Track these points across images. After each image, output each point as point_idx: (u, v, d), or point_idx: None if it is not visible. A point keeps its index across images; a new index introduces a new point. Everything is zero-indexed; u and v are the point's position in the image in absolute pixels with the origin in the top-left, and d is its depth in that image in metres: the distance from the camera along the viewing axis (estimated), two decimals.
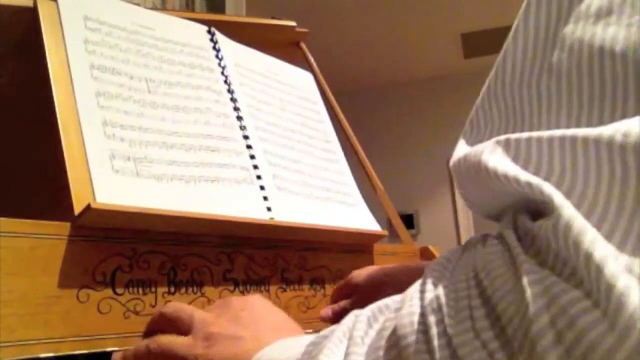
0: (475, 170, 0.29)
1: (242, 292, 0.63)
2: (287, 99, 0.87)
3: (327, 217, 0.77)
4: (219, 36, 0.81)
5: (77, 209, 0.51)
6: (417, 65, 4.14)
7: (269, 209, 0.69)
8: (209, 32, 0.80)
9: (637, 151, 0.23)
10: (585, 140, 0.24)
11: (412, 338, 0.28)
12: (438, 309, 0.27)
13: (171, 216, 0.56)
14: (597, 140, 0.24)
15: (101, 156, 0.57)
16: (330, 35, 3.55)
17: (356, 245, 0.80)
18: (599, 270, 0.22)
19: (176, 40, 0.74)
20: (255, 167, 0.71)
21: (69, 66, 0.60)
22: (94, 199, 0.53)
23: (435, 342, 0.26)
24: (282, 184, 0.74)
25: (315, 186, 0.80)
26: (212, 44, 0.79)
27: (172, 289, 0.57)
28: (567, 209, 0.24)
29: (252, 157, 0.72)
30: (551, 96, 0.27)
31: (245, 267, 0.64)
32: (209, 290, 0.60)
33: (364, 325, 0.33)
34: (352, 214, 0.83)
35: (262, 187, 0.70)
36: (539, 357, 0.22)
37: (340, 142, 0.92)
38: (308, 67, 0.99)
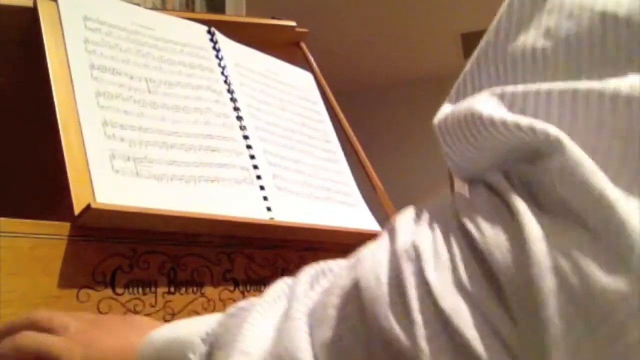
0: (466, 121, 0.27)
1: (242, 292, 0.63)
2: (287, 99, 0.87)
3: (327, 217, 0.77)
4: (219, 36, 0.81)
5: (77, 209, 0.51)
6: (417, 65, 4.14)
7: (269, 209, 0.69)
8: (209, 32, 0.80)
9: None
10: (588, 93, 0.23)
11: (377, 290, 0.25)
12: (415, 257, 0.25)
13: (171, 216, 0.56)
14: (601, 93, 0.22)
15: (101, 156, 0.57)
16: (330, 35, 3.55)
17: (356, 245, 0.80)
18: (610, 209, 0.20)
19: (176, 40, 0.74)
20: (255, 167, 0.71)
21: (69, 66, 0.60)
22: (94, 199, 0.53)
23: (413, 292, 0.24)
24: (282, 184, 0.74)
25: (315, 186, 0.80)
26: (212, 44, 0.79)
27: (172, 289, 0.57)
28: (576, 149, 0.22)
29: (252, 157, 0.72)
30: (547, 60, 0.25)
31: (245, 267, 0.64)
32: (209, 290, 0.60)
33: (306, 284, 0.31)
34: (352, 214, 0.83)
35: (262, 187, 0.70)
36: (537, 303, 0.20)
37: (340, 142, 0.92)
38: (308, 67, 0.99)
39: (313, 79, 0.97)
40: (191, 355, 0.33)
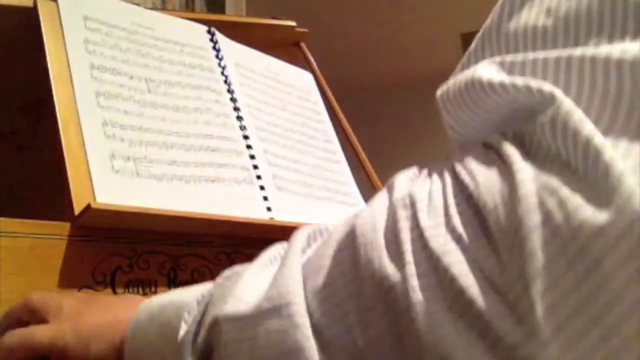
0: (467, 87, 0.28)
1: None
2: (287, 99, 0.87)
3: (327, 217, 0.77)
4: (219, 36, 0.81)
5: (77, 209, 0.51)
6: (416, 65, 4.14)
7: (269, 209, 0.69)
8: (209, 32, 0.80)
9: (633, 66, 0.22)
10: (582, 58, 0.24)
11: (372, 235, 0.26)
12: (410, 205, 0.26)
13: (171, 216, 0.56)
14: (594, 58, 0.23)
15: (101, 156, 0.57)
16: (330, 35, 3.55)
17: None
18: (597, 153, 0.21)
19: (176, 40, 0.74)
20: (255, 167, 0.71)
21: (69, 66, 0.60)
22: (94, 199, 0.53)
23: (406, 235, 0.24)
24: (282, 184, 0.74)
25: (315, 186, 0.80)
26: (212, 44, 0.79)
27: (172, 289, 0.57)
28: (568, 101, 0.23)
29: (252, 157, 0.72)
30: (546, 35, 0.26)
31: None
32: None
33: (304, 241, 0.32)
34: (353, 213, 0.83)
35: (262, 187, 0.70)
36: (522, 239, 0.21)
37: (340, 142, 0.92)
38: (308, 67, 0.99)
39: (313, 79, 0.97)
40: (186, 315, 0.33)
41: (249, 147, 0.73)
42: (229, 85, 0.77)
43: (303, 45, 1.03)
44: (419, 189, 0.27)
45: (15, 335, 0.41)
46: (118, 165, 0.57)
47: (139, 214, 0.53)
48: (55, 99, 0.57)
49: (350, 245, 0.27)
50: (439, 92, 0.31)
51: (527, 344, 0.20)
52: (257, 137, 0.75)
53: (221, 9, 2.10)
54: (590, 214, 0.20)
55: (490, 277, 0.22)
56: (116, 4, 0.70)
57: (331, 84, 0.99)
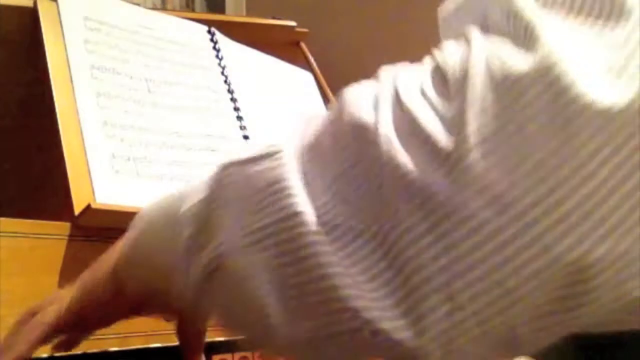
0: None
1: None
2: (287, 99, 0.87)
3: None
4: (219, 36, 0.81)
5: (77, 209, 0.51)
6: None
7: None
8: (209, 32, 0.80)
9: None
10: None
11: (359, 95, 0.30)
12: (393, 80, 0.30)
13: None
14: None
15: (101, 156, 0.57)
16: (330, 35, 3.55)
17: None
18: (534, 26, 0.25)
19: (176, 40, 0.74)
20: None
21: (69, 66, 0.60)
22: (94, 199, 0.53)
23: (386, 97, 0.29)
24: None
25: None
26: (212, 44, 0.79)
27: None
28: None
29: None
30: None
31: None
32: None
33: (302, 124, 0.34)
34: None
35: None
36: (467, 80, 0.26)
37: None
38: (308, 67, 0.99)
39: (313, 79, 0.97)
40: (193, 194, 0.34)
41: None
42: (229, 85, 0.77)
43: (303, 45, 1.03)
44: (405, 70, 0.31)
45: (26, 327, 0.41)
46: (118, 165, 0.57)
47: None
48: (55, 99, 0.57)
49: (337, 109, 0.31)
50: (440, 9, 0.36)
51: (457, 150, 0.26)
52: (257, 137, 0.75)
53: (221, 9, 2.10)
54: (520, 62, 0.25)
55: (440, 110, 0.27)
56: (116, 4, 0.70)
57: (331, 84, 0.99)
